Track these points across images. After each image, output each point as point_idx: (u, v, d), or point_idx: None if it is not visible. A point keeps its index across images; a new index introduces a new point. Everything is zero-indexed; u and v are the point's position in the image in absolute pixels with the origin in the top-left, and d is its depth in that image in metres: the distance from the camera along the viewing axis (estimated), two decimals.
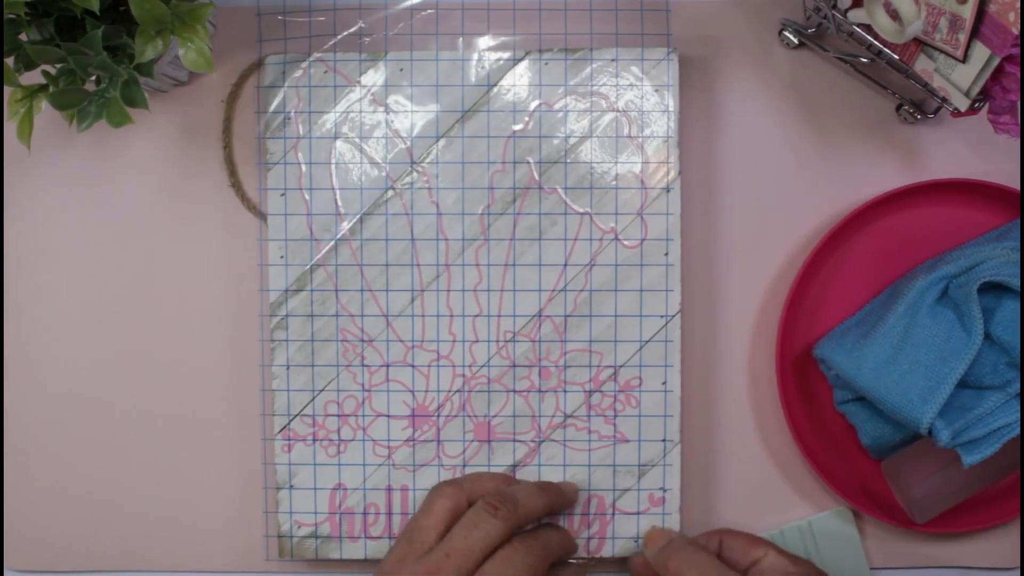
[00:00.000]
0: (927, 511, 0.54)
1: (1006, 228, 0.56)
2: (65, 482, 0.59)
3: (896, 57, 0.52)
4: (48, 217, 0.59)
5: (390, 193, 0.55)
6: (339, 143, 0.55)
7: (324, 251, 0.55)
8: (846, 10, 0.52)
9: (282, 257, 0.55)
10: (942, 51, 0.49)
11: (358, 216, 0.55)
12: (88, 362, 0.59)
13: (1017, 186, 0.56)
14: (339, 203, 0.55)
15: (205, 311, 0.58)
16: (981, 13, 0.45)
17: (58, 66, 0.49)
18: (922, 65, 0.51)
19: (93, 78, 0.49)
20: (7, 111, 0.50)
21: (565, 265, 0.55)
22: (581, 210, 0.55)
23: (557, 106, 0.55)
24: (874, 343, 0.53)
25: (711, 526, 0.58)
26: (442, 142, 0.55)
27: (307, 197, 0.55)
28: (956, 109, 0.50)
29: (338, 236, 0.55)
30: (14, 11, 0.47)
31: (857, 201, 0.57)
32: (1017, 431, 0.50)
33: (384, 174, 0.55)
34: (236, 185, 0.58)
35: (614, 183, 0.55)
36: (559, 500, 0.54)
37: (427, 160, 0.55)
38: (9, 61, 0.49)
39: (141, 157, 0.59)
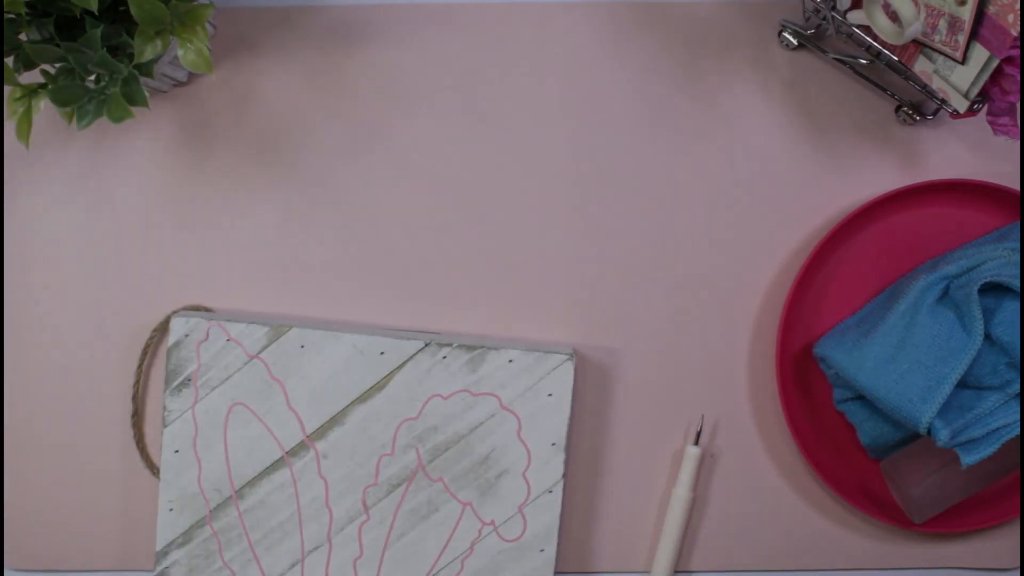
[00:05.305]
0: (925, 511, 0.54)
1: (1007, 229, 0.56)
2: (65, 482, 0.59)
3: (895, 58, 0.52)
4: (47, 216, 0.59)
5: (280, 463, 0.56)
6: (235, 409, 0.56)
7: (212, 509, 0.56)
8: (845, 11, 0.52)
9: (172, 510, 0.56)
10: (941, 53, 0.49)
11: (246, 481, 0.56)
12: (87, 360, 0.59)
13: (1017, 187, 0.56)
14: (231, 467, 0.56)
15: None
16: (980, 15, 0.45)
17: (57, 65, 0.49)
18: (921, 66, 0.51)
19: (92, 77, 0.49)
20: (6, 110, 0.50)
21: (442, 551, 0.56)
22: (464, 500, 0.56)
23: (450, 399, 0.56)
24: (874, 342, 0.53)
25: (711, 524, 0.58)
26: (335, 420, 0.56)
27: (199, 456, 0.56)
28: (955, 111, 0.50)
29: (226, 498, 0.56)
30: (14, 10, 0.47)
31: (857, 201, 0.57)
32: (1016, 431, 0.50)
33: (276, 443, 0.56)
34: (139, 441, 0.58)
35: (498, 478, 0.56)
36: None
37: (319, 435, 0.56)
38: (9, 61, 0.49)
39: (141, 157, 0.59)
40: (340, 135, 0.59)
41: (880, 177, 0.58)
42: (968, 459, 0.50)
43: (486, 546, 0.56)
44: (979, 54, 0.47)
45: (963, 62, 0.48)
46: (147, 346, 0.58)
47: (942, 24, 0.48)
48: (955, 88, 0.49)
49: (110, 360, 0.59)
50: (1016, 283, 0.50)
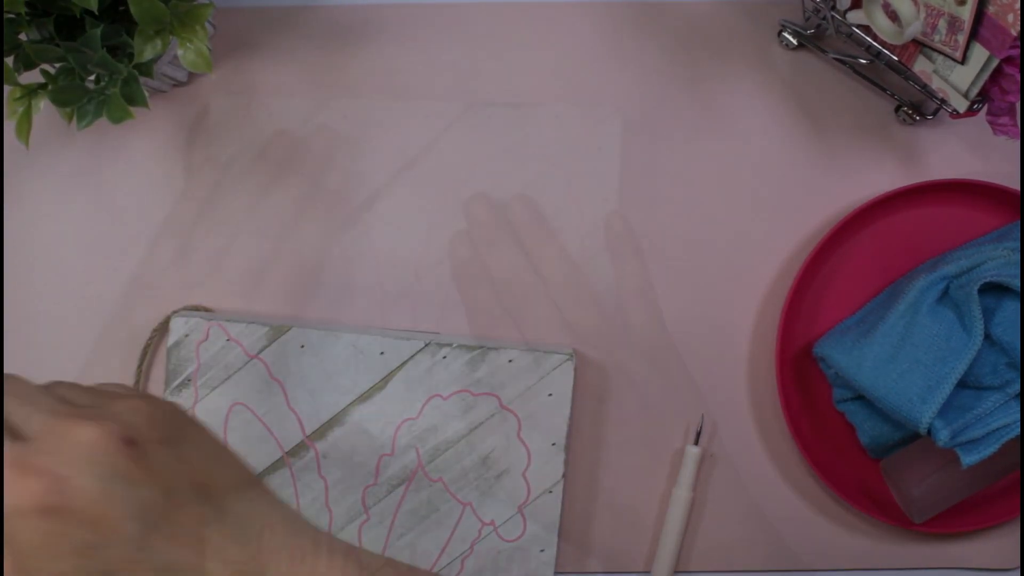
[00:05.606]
0: (925, 511, 0.54)
1: (1007, 229, 0.56)
2: None
3: (895, 58, 0.52)
4: (48, 216, 0.59)
5: (280, 463, 0.56)
6: (235, 409, 0.56)
7: None
8: (845, 11, 0.52)
9: None
10: (941, 52, 0.49)
11: None
12: (87, 360, 0.59)
13: (1017, 187, 0.56)
14: None
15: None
16: (980, 14, 0.45)
17: (57, 65, 0.49)
18: (921, 66, 0.51)
19: (92, 77, 0.49)
20: (6, 110, 0.50)
21: (442, 551, 0.56)
22: (464, 500, 0.56)
23: (450, 399, 0.56)
24: (874, 342, 0.53)
25: (711, 524, 0.58)
26: (335, 420, 0.56)
27: None
28: (955, 111, 0.50)
29: None
30: (14, 10, 0.47)
31: (856, 201, 0.57)
32: (1016, 431, 0.50)
33: (275, 443, 0.56)
34: None
35: (498, 478, 0.56)
36: None
37: (319, 435, 0.56)
38: (9, 60, 0.49)
39: (141, 157, 0.59)
40: (340, 134, 0.59)
41: (880, 177, 0.58)
42: (968, 459, 0.50)
43: (486, 546, 0.56)
44: (979, 54, 0.47)
45: (963, 62, 0.48)
46: (147, 346, 0.58)
47: (942, 24, 0.48)
48: (955, 88, 0.49)
49: (110, 360, 0.59)
50: (1016, 283, 0.50)
